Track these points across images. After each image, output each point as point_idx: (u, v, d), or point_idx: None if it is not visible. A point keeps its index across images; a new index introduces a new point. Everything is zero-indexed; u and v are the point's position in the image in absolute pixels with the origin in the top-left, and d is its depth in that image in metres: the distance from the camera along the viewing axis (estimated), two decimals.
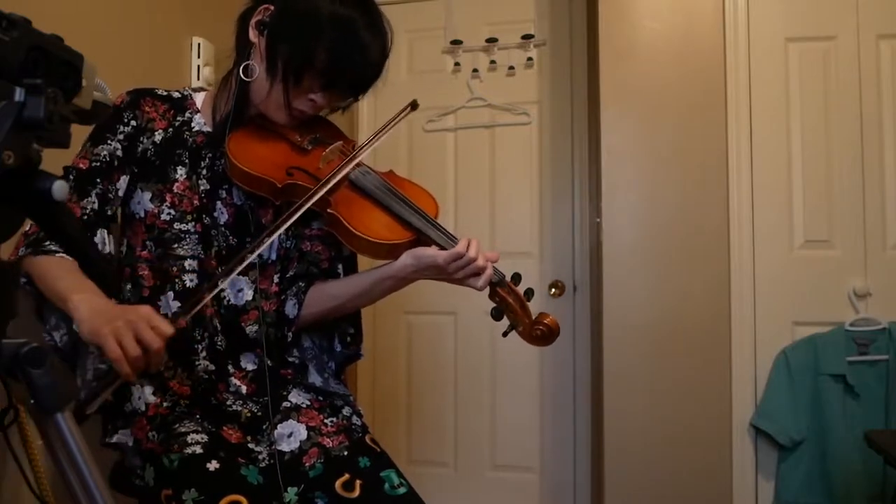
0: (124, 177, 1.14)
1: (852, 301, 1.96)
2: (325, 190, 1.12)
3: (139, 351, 0.90)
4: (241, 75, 1.14)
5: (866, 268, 1.96)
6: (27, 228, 1.09)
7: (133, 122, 1.15)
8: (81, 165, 1.11)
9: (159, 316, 0.94)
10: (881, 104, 1.97)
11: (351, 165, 1.17)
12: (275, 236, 1.10)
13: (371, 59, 1.12)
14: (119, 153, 1.13)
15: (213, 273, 1.15)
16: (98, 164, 1.11)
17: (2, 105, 0.52)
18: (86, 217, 1.09)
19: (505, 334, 1.18)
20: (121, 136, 1.14)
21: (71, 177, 1.10)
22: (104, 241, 1.11)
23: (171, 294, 1.13)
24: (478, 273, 1.11)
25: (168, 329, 0.92)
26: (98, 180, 1.11)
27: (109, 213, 1.13)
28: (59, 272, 1.01)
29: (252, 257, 1.08)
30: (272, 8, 1.11)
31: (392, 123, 1.23)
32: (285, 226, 1.09)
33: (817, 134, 2.01)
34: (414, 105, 1.24)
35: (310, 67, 1.09)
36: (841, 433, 1.88)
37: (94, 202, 1.10)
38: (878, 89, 1.98)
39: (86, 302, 0.96)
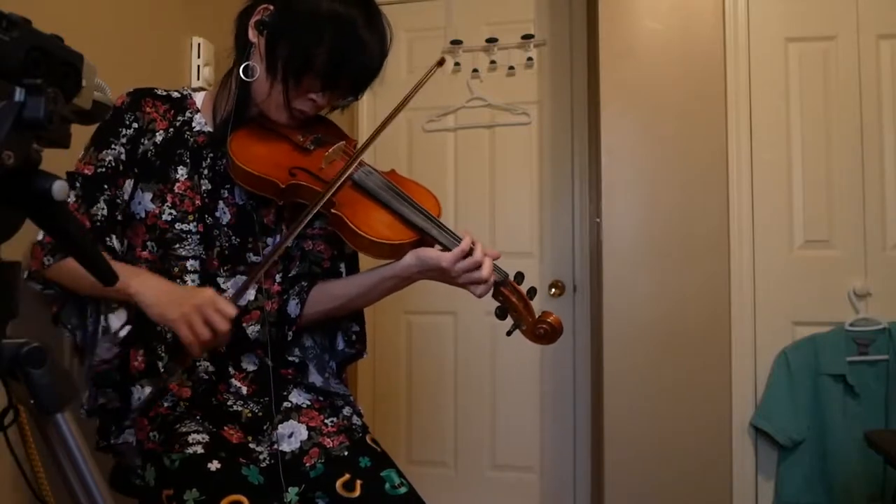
0: (129, 180, 1.14)
1: (852, 301, 1.96)
2: (349, 173, 1.14)
3: (210, 334, 0.98)
4: (241, 75, 1.14)
5: (866, 268, 1.96)
6: (39, 237, 1.10)
7: (135, 124, 1.15)
8: (87, 171, 1.10)
9: (222, 298, 1.01)
10: (881, 104, 1.97)
11: (356, 162, 1.17)
12: (297, 232, 1.12)
13: (371, 57, 1.12)
14: (123, 157, 1.13)
15: (215, 273, 1.15)
16: (104, 169, 1.11)
17: (2, 105, 0.52)
18: (98, 224, 1.09)
19: (509, 333, 1.18)
20: (124, 140, 1.13)
21: (77, 183, 1.09)
22: (117, 246, 1.12)
23: None
24: (479, 282, 1.11)
25: (232, 311, 1.00)
26: (106, 186, 1.10)
27: (119, 217, 1.13)
28: None
29: (281, 248, 1.12)
30: (271, 8, 1.11)
31: (420, 84, 1.24)
32: (307, 219, 1.10)
33: (817, 134, 2.01)
34: (441, 61, 1.25)
35: (310, 68, 1.09)
36: (841, 433, 1.88)
37: (103, 208, 1.10)
38: (878, 89, 1.98)
39: (148, 286, 1.03)
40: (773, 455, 1.99)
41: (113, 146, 1.12)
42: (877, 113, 1.97)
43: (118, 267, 1.01)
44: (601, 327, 2.09)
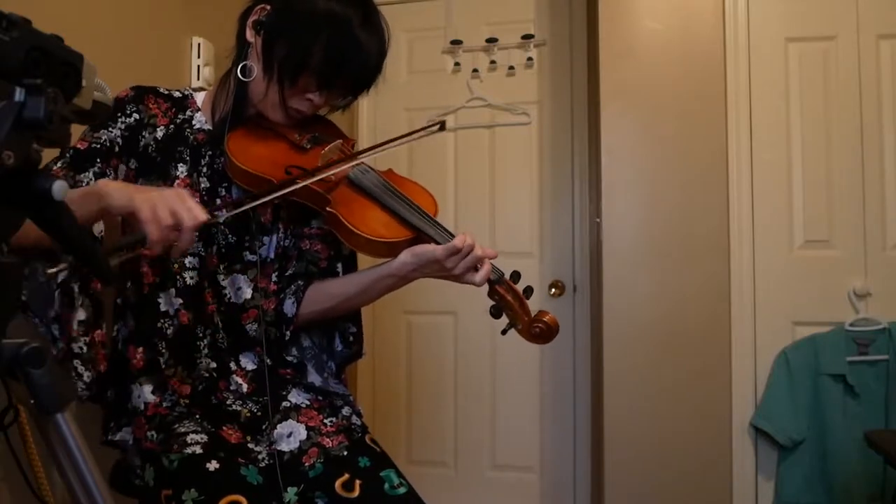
0: (122, 166, 1.13)
1: (852, 301, 1.96)
2: (326, 174, 1.12)
3: (171, 221, 0.90)
4: (239, 75, 1.14)
5: (866, 268, 1.96)
6: None
7: (136, 115, 1.15)
8: (80, 146, 1.09)
9: (194, 200, 0.94)
10: (881, 104, 1.97)
11: (353, 162, 1.17)
12: (273, 196, 1.09)
13: (368, 57, 1.12)
14: (119, 141, 1.12)
15: (214, 270, 1.15)
16: (98, 146, 1.10)
17: (2, 105, 0.52)
18: None
19: (504, 332, 1.18)
20: (122, 126, 1.13)
21: (68, 154, 1.07)
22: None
23: (172, 291, 1.13)
24: (476, 266, 1.11)
25: (202, 215, 0.92)
26: (98, 160, 1.09)
27: None
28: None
29: (255, 203, 1.08)
30: (268, 7, 1.11)
31: (413, 137, 1.22)
32: (287, 190, 1.08)
33: (817, 134, 2.01)
34: (442, 125, 1.23)
35: (305, 67, 1.09)
36: (841, 433, 1.88)
37: (91, 179, 1.08)
38: (878, 89, 1.98)
39: (117, 185, 0.94)
40: (773, 455, 1.99)
41: (110, 129, 1.12)
42: (877, 113, 1.98)
43: (91, 185, 1.00)
44: (601, 327, 2.09)
